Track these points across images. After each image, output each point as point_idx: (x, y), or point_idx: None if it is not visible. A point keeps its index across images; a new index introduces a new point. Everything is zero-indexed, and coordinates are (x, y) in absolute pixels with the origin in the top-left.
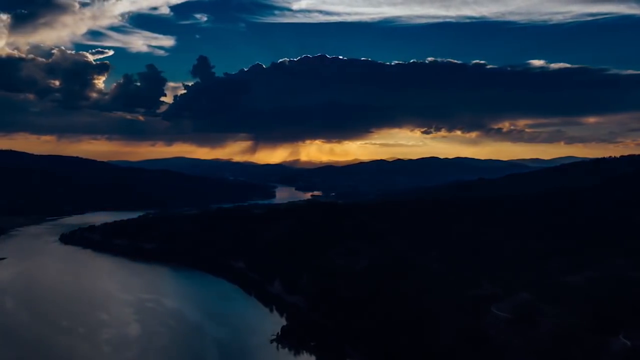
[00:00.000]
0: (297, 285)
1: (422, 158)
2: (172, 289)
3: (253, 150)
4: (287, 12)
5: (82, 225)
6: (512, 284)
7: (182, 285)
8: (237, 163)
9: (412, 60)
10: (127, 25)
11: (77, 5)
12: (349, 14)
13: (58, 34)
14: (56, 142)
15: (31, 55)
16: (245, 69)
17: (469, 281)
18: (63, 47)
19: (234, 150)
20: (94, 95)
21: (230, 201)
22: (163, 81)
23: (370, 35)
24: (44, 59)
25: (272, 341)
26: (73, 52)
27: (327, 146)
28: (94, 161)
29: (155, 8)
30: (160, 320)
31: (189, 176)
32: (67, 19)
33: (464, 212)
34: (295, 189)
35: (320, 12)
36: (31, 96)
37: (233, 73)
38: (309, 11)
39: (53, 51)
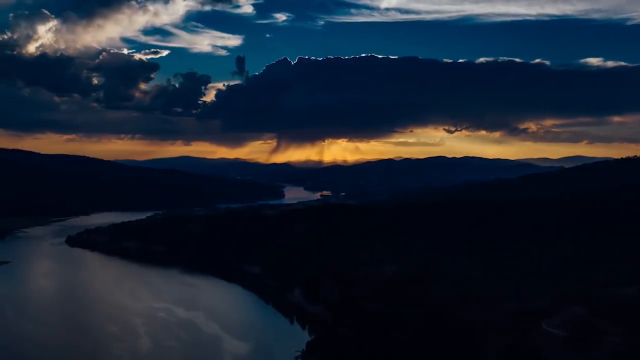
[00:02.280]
0: (319, 294)
1: (430, 157)
2: (184, 296)
3: (275, 149)
4: (364, 11)
5: (88, 227)
6: (560, 297)
7: (194, 292)
8: (244, 162)
9: (481, 60)
10: (197, 24)
11: (135, 4)
12: (428, 12)
13: (116, 32)
14: (77, 141)
15: (78, 55)
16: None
17: (508, 292)
18: (115, 47)
19: (254, 150)
20: (137, 95)
21: (238, 201)
22: (204, 82)
23: (446, 33)
24: (90, 59)
25: (297, 358)
26: (127, 51)
27: (351, 145)
28: (100, 160)
29: (238, 6)
30: (173, 333)
31: (197, 175)
32: (124, 17)
33: (490, 214)
34: (304, 189)
35: (399, 10)
36: (76, 96)
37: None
38: (388, 10)
39: (104, 51)
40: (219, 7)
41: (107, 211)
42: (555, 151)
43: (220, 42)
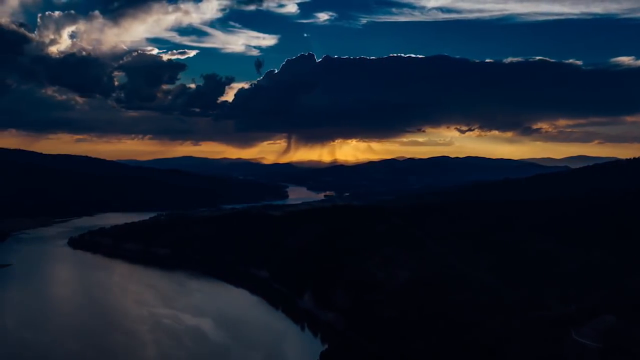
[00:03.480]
0: (331, 300)
1: (433, 157)
2: (190, 302)
3: (285, 150)
4: (406, 10)
5: (91, 228)
6: (589, 304)
7: (200, 297)
8: (247, 162)
9: (510, 59)
10: (234, 23)
11: (167, 4)
12: (470, 11)
13: (146, 32)
14: (87, 141)
15: (104, 55)
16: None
17: (532, 298)
18: (144, 47)
19: (263, 150)
20: (159, 95)
21: (242, 201)
22: (226, 83)
23: (485, 32)
24: (115, 59)
25: None
26: (157, 51)
27: (363, 145)
28: (103, 160)
29: (283, 5)
30: (180, 342)
31: (199, 176)
32: (155, 17)
33: (506, 216)
34: (307, 189)
35: (442, 9)
36: (98, 96)
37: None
38: (430, 9)
39: (131, 51)
40: (263, 6)
41: (110, 212)
42: (560, 151)
43: (254, 42)
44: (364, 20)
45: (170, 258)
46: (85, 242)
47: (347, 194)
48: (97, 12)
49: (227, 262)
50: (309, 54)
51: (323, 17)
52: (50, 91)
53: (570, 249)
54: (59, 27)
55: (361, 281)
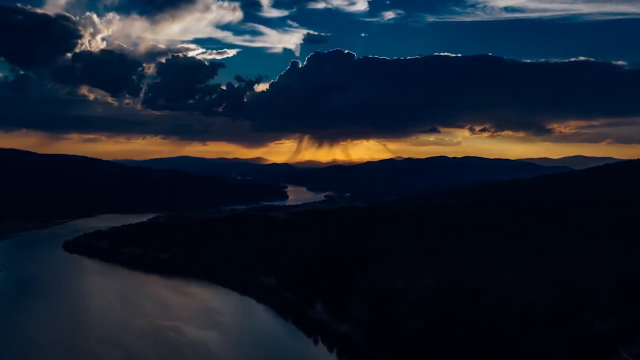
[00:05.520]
0: (347, 311)
1: (431, 157)
2: (194, 311)
3: (297, 150)
4: (469, 9)
5: (87, 231)
6: (634, 318)
7: (204, 306)
8: (243, 162)
9: (550, 60)
10: (291, 22)
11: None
12: (533, 10)
13: (188, 31)
14: (97, 141)
15: (136, 53)
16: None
17: (569, 311)
18: (186, 46)
19: (270, 150)
20: (186, 95)
21: (242, 202)
22: (255, 82)
23: (545, 32)
24: (150, 59)
25: None
26: (197, 51)
27: (378, 145)
28: (99, 160)
29: (353, 3)
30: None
31: (197, 176)
32: (195, 14)
33: (527, 219)
34: (307, 189)
35: (505, 9)
36: (127, 96)
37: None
38: (493, 8)
39: (169, 51)
40: (333, 4)
41: (107, 213)
42: (561, 151)
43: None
44: (430, 19)
45: (170, 263)
46: (80, 246)
47: (348, 194)
48: (134, 11)
49: (231, 267)
50: (347, 52)
51: (389, 15)
52: (83, 90)
53: (599, 255)
54: (94, 25)
55: (379, 290)
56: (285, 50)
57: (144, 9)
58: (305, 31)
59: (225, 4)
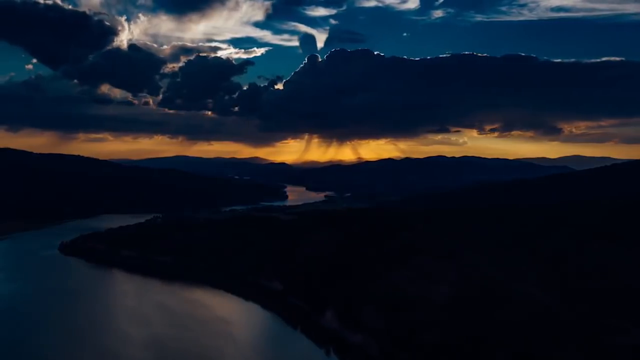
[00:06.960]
0: (359, 319)
1: (429, 157)
2: (198, 320)
3: (305, 149)
4: (515, 9)
5: (84, 232)
6: None
7: (208, 314)
8: (241, 161)
9: (579, 60)
10: (333, 21)
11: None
12: (579, 10)
13: (218, 30)
14: (103, 140)
15: (162, 53)
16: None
17: (600, 320)
18: (215, 45)
19: (278, 150)
20: (205, 95)
21: (241, 202)
22: (273, 83)
23: (589, 32)
24: (175, 58)
25: None
26: (229, 50)
27: (389, 145)
28: (96, 160)
29: (404, 1)
30: None
31: (195, 176)
32: (225, 12)
33: (545, 221)
34: (306, 189)
35: (552, 8)
36: (146, 95)
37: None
38: (542, 7)
39: (195, 51)
40: (385, 2)
41: (104, 213)
42: (562, 151)
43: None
44: (478, 18)
45: (171, 267)
46: (77, 248)
47: (348, 194)
48: (162, 10)
49: (234, 271)
50: (377, 53)
51: (438, 14)
52: (104, 89)
53: (626, 259)
54: (120, 24)
55: (393, 296)
56: (321, 50)
57: (173, 8)
58: (342, 30)
59: (259, 3)
